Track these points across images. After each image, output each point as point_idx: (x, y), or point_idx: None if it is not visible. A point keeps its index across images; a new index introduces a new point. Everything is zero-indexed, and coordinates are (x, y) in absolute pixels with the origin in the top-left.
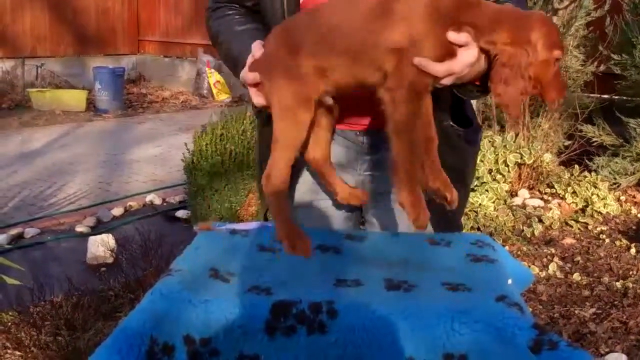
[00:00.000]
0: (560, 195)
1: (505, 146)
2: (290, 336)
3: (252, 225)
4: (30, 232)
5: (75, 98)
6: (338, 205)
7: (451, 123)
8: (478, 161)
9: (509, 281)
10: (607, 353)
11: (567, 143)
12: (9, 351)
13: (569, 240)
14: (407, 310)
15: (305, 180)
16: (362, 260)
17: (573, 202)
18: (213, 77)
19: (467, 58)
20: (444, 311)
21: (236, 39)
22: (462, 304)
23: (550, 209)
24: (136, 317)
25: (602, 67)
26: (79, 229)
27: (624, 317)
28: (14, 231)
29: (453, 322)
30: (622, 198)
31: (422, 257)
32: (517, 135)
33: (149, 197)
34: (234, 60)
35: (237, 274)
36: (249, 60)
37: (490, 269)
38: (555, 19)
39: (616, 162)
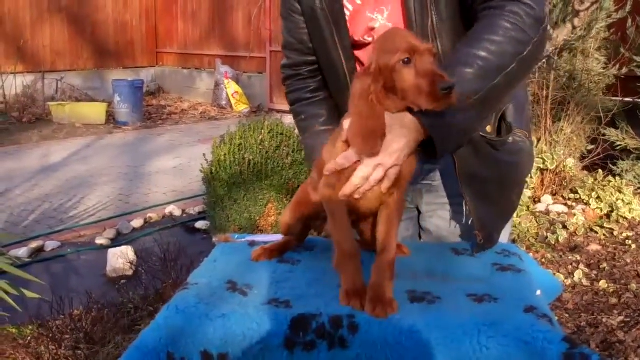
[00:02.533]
0: (585, 201)
1: None
2: (311, 352)
3: (270, 237)
4: (50, 245)
5: (95, 111)
6: None
7: (481, 133)
8: None
9: (538, 292)
10: None
11: (590, 147)
12: None
13: (594, 247)
14: (431, 324)
15: None
16: None
17: (597, 208)
18: (231, 88)
19: (360, 172)
20: (470, 325)
21: (307, 134)
22: (489, 317)
23: (575, 214)
24: (152, 334)
25: (624, 70)
26: (99, 241)
27: None
28: (34, 244)
29: (480, 336)
30: None
31: (447, 267)
32: (539, 140)
33: (169, 209)
34: (306, 149)
35: (256, 287)
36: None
37: (517, 279)
38: (576, 21)
39: None
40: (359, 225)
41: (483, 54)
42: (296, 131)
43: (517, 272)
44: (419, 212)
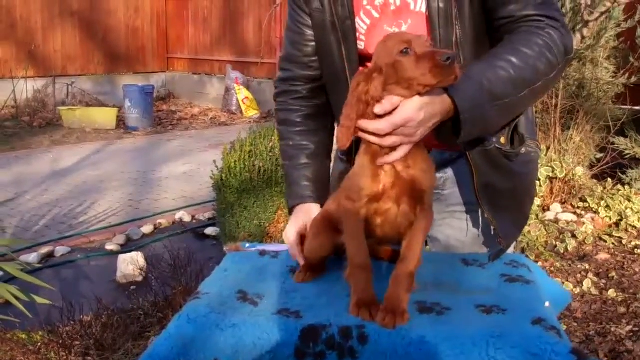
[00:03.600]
0: (594, 209)
1: None
2: None
3: (281, 246)
4: (60, 250)
5: (105, 116)
6: None
7: (496, 146)
8: None
9: (547, 304)
10: None
11: (599, 156)
12: None
13: (603, 256)
14: (440, 335)
15: None
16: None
17: (607, 216)
18: (242, 94)
19: (406, 110)
20: (479, 336)
21: (290, 162)
22: (498, 328)
23: (584, 223)
24: (164, 343)
25: (633, 79)
26: (109, 247)
27: None
28: (44, 250)
29: (488, 347)
30: None
31: (456, 278)
32: (548, 148)
33: (179, 215)
34: (286, 177)
35: (266, 297)
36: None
37: (526, 290)
38: (585, 31)
39: None
40: (378, 248)
41: (518, 63)
42: None
43: (525, 283)
44: None
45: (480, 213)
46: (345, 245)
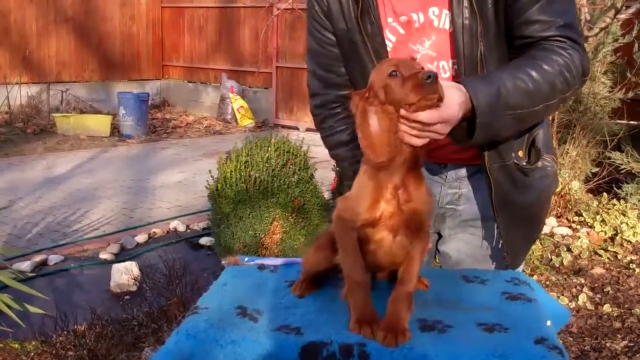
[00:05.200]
0: (589, 224)
1: None
2: None
3: (280, 260)
4: (53, 259)
5: (99, 123)
6: None
7: (515, 161)
8: None
9: (548, 323)
10: None
11: (594, 170)
12: None
13: (598, 270)
14: (442, 353)
15: None
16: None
17: (602, 231)
18: (237, 103)
19: (452, 105)
20: (481, 355)
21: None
22: (500, 347)
23: (579, 237)
24: (162, 358)
25: (630, 94)
26: (103, 255)
27: None
28: (37, 258)
29: None
30: None
31: (457, 295)
32: None
33: (173, 224)
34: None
35: (265, 312)
36: None
37: (527, 309)
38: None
39: None
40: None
41: (538, 78)
42: (303, 148)
43: (527, 301)
44: (440, 237)
45: (492, 228)
46: (341, 264)
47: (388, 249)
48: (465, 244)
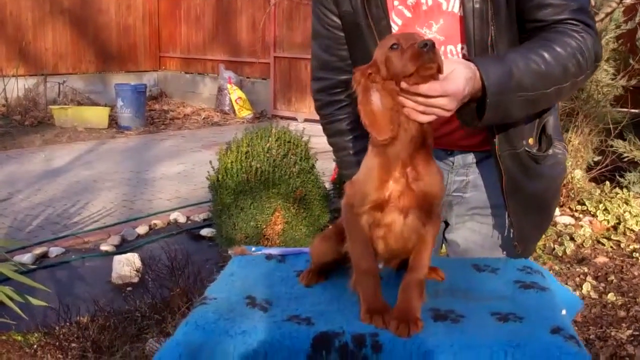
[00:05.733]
0: (592, 213)
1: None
2: None
3: (287, 250)
4: (54, 251)
5: (97, 115)
6: None
7: (526, 149)
8: None
9: (563, 312)
10: None
11: (597, 159)
12: None
13: (601, 259)
14: (456, 343)
15: None
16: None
17: (605, 220)
18: (235, 94)
19: (457, 80)
20: (496, 345)
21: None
22: (516, 337)
23: (582, 226)
24: (171, 351)
25: (633, 81)
26: (104, 247)
27: None
28: (38, 250)
29: (507, 357)
30: None
31: (469, 284)
32: None
33: (173, 215)
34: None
35: (275, 302)
36: None
37: (541, 298)
38: None
39: None
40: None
41: (550, 60)
42: (304, 139)
43: (540, 290)
44: (447, 225)
45: (502, 217)
46: (349, 253)
47: (399, 233)
48: (473, 233)
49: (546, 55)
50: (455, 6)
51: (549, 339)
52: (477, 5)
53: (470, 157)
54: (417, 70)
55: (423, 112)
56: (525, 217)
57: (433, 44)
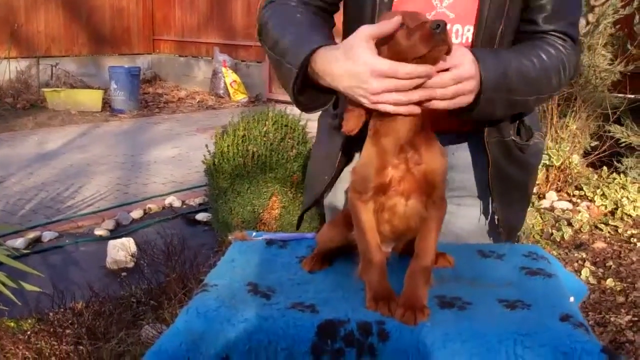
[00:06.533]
0: (589, 198)
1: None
2: None
3: (289, 235)
4: (48, 235)
5: (90, 98)
6: None
7: (513, 138)
8: None
9: (571, 299)
10: None
11: (594, 144)
12: None
13: (599, 244)
14: (464, 332)
15: None
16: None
17: (602, 205)
18: (229, 77)
19: (468, 64)
20: (505, 334)
21: (293, 27)
22: (525, 325)
23: (579, 211)
24: (171, 338)
25: (630, 67)
26: (98, 232)
27: None
28: (31, 235)
29: (516, 345)
30: None
31: (474, 271)
32: (544, 136)
33: (169, 200)
34: (286, 50)
35: (278, 289)
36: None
37: (548, 284)
38: (590, 17)
39: None
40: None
41: (540, 68)
42: (301, 122)
43: (547, 276)
44: None
45: (488, 204)
46: (355, 241)
47: (402, 214)
48: (455, 217)
49: (536, 62)
50: None
51: (558, 326)
52: None
53: (452, 139)
54: (430, 52)
55: (451, 98)
56: (510, 205)
57: (445, 25)
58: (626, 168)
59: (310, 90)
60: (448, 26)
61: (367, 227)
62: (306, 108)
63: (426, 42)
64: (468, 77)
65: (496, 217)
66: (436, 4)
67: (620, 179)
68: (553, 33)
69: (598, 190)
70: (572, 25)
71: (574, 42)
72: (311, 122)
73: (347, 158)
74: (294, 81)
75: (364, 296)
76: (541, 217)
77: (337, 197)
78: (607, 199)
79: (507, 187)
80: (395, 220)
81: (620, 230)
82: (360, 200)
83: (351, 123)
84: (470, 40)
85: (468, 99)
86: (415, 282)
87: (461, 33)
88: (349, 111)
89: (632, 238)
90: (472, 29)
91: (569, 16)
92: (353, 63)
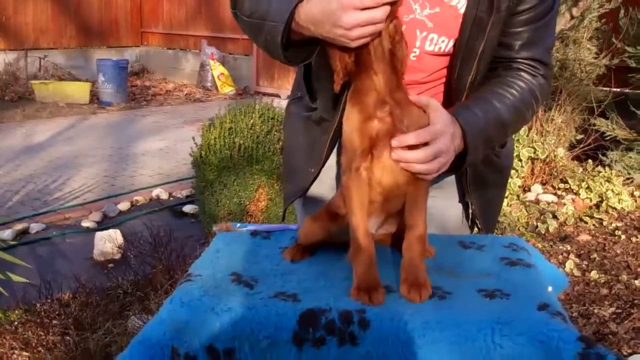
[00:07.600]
0: (574, 191)
1: (518, 140)
2: (320, 348)
3: (273, 226)
4: (35, 227)
5: (78, 90)
6: None
7: None
8: None
9: (550, 288)
10: (630, 354)
11: (579, 137)
12: (16, 352)
13: (584, 237)
14: (444, 320)
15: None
16: (392, 265)
17: (587, 198)
18: (217, 70)
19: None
20: (483, 322)
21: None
22: (503, 314)
23: (564, 204)
24: (155, 327)
25: (615, 60)
26: (85, 224)
27: None
28: (19, 226)
29: (494, 333)
30: (636, 193)
31: (455, 261)
32: (530, 129)
33: (156, 192)
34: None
35: (261, 279)
36: None
37: (527, 274)
38: (574, 11)
39: (630, 157)
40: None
41: (514, 111)
42: None
43: (526, 266)
44: None
45: (464, 201)
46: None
47: (390, 169)
48: (437, 210)
49: (509, 104)
50: (460, 3)
51: (536, 315)
52: (480, 15)
53: None
54: None
55: (430, 162)
56: (487, 205)
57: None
58: (611, 161)
59: (296, 45)
60: (423, 34)
61: (357, 205)
62: (293, 62)
63: None
64: (445, 150)
65: (471, 211)
66: (415, 9)
67: (605, 172)
68: (527, 62)
69: (583, 183)
70: (547, 51)
71: (548, 69)
72: None
73: (331, 149)
74: (282, 35)
75: (346, 285)
76: (526, 210)
77: (322, 187)
78: (592, 192)
79: (484, 191)
80: (385, 179)
81: (604, 223)
82: (353, 172)
83: (339, 64)
84: (442, 50)
85: (446, 167)
86: (413, 253)
87: (435, 42)
88: (334, 56)
89: (616, 231)
90: (447, 40)
91: (544, 43)
92: (327, 2)
